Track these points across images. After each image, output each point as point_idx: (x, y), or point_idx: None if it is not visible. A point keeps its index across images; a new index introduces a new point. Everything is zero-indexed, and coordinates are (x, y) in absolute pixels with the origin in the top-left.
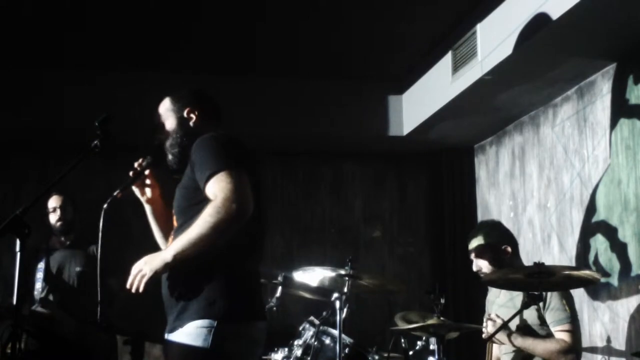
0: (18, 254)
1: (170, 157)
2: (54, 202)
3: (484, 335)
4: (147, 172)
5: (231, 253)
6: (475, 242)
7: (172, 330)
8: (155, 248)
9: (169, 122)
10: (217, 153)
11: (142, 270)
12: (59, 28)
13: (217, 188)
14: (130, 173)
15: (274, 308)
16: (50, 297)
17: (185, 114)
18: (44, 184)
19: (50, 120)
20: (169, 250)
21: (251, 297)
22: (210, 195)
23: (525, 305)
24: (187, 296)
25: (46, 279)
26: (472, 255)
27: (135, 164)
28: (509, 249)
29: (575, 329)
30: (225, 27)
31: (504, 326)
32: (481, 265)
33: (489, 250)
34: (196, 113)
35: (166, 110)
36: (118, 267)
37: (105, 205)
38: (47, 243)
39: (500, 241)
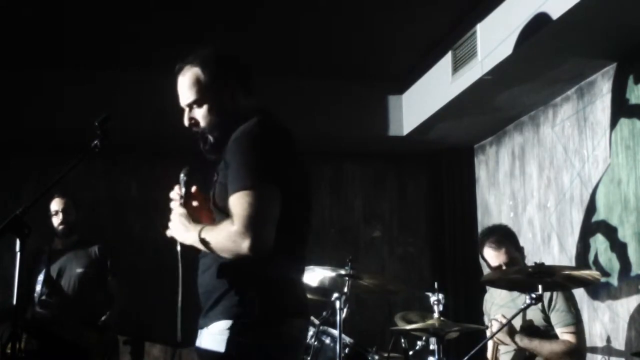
0: (18, 254)
1: (211, 140)
2: (56, 205)
3: (488, 335)
4: (193, 189)
5: (275, 263)
6: (507, 255)
7: (200, 327)
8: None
9: (207, 100)
10: (251, 161)
11: (172, 226)
12: (59, 28)
13: (238, 209)
14: (176, 202)
15: None
16: (50, 299)
17: (226, 86)
18: (44, 184)
19: (51, 120)
20: (195, 234)
21: (284, 298)
22: (231, 211)
23: (526, 306)
24: (215, 294)
25: (46, 280)
26: (504, 263)
27: (176, 191)
28: (519, 255)
29: (580, 330)
30: (225, 27)
31: (505, 325)
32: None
33: (503, 255)
34: (238, 82)
35: (200, 85)
36: (118, 268)
37: (179, 256)
38: (49, 245)
39: (512, 247)
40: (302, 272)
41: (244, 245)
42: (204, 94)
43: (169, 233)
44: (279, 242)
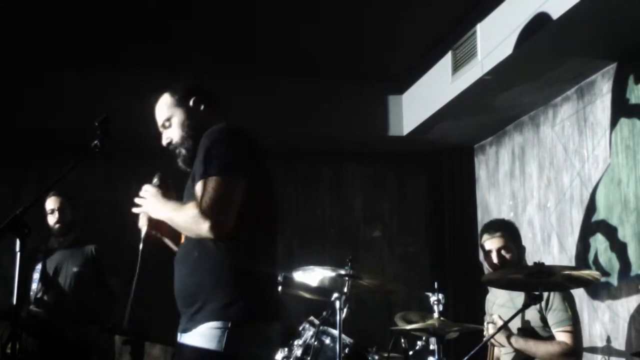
0: (18, 254)
1: (183, 152)
2: (52, 203)
3: (485, 337)
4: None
5: (244, 253)
6: (500, 239)
7: (185, 331)
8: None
9: (176, 117)
10: (216, 152)
11: (142, 204)
12: (59, 28)
13: (201, 194)
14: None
15: None
16: (45, 298)
17: (191, 104)
18: (44, 184)
19: (51, 120)
20: (165, 210)
21: (266, 298)
22: (196, 195)
23: (525, 306)
24: (201, 297)
25: (42, 279)
26: (497, 251)
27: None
28: (524, 253)
29: (576, 331)
30: (225, 27)
31: (504, 327)
32: (506, 258)
33: (515, 247)
34: (202, 102)
35: (169, 105)
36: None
37: (141, 246)
38: (45, 244)
39: (520, 243)
40: (273, 274)
41: (204, 226)
42: (172, 112)
43: (137, 209)
44: (245, 232)
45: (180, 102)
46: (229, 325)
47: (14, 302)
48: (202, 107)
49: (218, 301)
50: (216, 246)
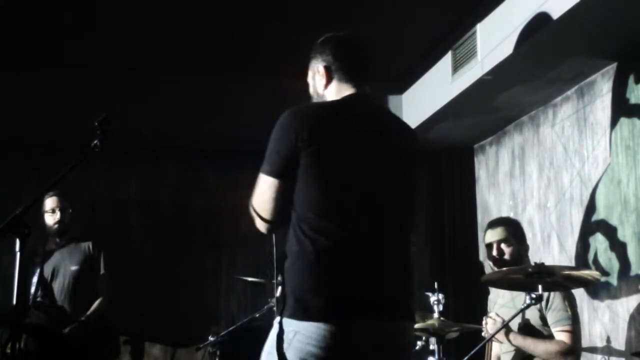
0: (18, 254)
1: None
2: (53, 203)
3: (483, 333)
4: None
5: (311, 248)
6: (499, 235)
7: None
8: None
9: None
10: (269, 145)
11: None
12: (59, 28)
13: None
14: None
15: (274, 308)
16: (44, 300)
17: (317, 71)
18: (44, 184)
19: (51, 120)
20: None
21: (326, 296)
22: None
23: (526, 306)
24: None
25: (40, 282)
26: (497, 244)
27: None
28: (525, 252)
29: (575, 330)
30: (225, 27)
31: (504, 326)
32: (505, 252)
33: (510, 247)
34: (326, 71)
35: (309, 69)
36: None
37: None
38: (43, 246)
39: (521, 242)
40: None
41: (254, 216)
42: None
43: None
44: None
45: (311, 66)
46: (282, 321)
47: (14, 302)
48: (323, 78)
49: (282, 295)
50: None
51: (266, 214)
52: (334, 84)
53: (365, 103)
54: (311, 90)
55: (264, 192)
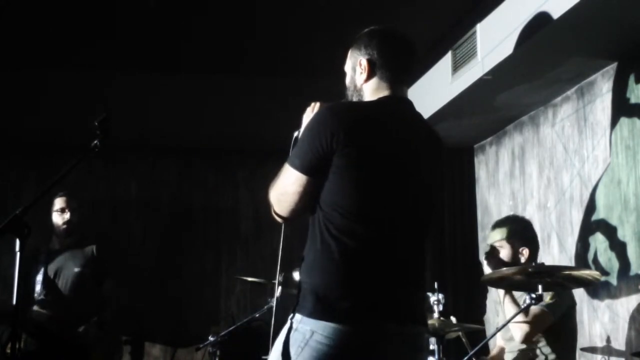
0: (18, 254)
1: None
2: (63, 203)
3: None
4: None
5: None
6: (497, 235)
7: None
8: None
9: (347, 73)
10: (302, 139)
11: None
12: (60, 28)
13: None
14: None
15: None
16: (48, 299)
17: (358, 63)
18: (44, 184)
19: (50, 120)
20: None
21: (351, 298)
22: None
23: (526, 306)
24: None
25: (44, 280)
26: (493, 242)
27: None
28: (526, 252)
29: (543, 315)
30: (225, 27)
31: (504, 326)
32: (501, 252)
33: (507, 247)
34: (368, 65)
35: (348, 57)
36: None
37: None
38: (46, 245)
39: (520, 242)
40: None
41: (272, 204)
42: None
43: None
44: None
45: (352, 59)
46: (297, 318)
47: (15, 302)
48: (364, 72)
49: (301, 291)
50: None
51: (286, 206)
52: (374, 80)
53: (401, 108)
54: (348, 81)
55: (288, 185)
